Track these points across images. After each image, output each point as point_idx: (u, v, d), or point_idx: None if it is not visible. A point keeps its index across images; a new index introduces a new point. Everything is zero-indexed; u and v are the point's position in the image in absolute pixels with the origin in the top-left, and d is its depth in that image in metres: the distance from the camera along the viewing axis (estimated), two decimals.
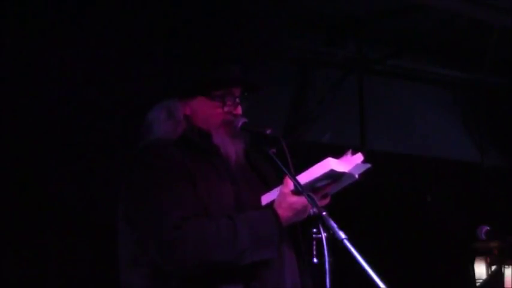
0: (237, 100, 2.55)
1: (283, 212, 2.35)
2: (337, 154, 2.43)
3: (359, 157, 2.42)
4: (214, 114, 2.53)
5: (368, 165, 2.44)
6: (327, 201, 2.45)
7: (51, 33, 4.32)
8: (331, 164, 2.32)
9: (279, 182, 2.43)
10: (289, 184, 2.34)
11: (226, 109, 2.52)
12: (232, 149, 2.51)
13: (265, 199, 2.44)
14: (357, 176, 2.45)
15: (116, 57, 4.52)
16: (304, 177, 2.34)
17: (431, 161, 6.29)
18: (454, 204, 7.09)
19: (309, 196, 2.25)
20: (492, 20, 5.27)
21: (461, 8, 5.01)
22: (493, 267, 6.89)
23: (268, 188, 2.48)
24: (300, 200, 2.32)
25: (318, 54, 5.53)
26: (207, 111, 2.53)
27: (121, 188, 2.45)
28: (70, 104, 4.56)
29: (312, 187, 2.36)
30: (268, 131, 2.46)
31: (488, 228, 3.75)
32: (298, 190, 2.29)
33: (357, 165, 2.41)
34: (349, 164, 2.39)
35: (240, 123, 2.52)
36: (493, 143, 6.51)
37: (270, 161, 2.42)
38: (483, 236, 3.77)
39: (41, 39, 4.32)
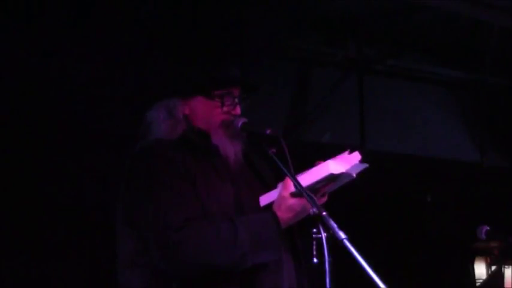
0: (236, 100, 2.54)
1: (282, 214, 2.35)
2: (337, 154, 2.43)
3: (357, 156, 2.42)
4: (213, 114, 2.52)
5: (366, 165, 2.44)
6: (324, 199, 2.45)
7: (51, 33, 4.32)
8: (330, 168, 2.32)
9: (278, 182, 2.43)
10: (289, 186, 2.34)
11: (225, 109, 2.52)
12: (231, 149, 2.50)
13: (264, 200, 2.44)
14: (354, 175, 2.45)
15: (117, 57, 4.52)
16: (304, 180, 2.34)
17: (431, 161, 6.29)
18: (454, 204, 7.09)
19: (309, 196, 2.25)
20: (492, 20, 5.27)
21: (461, 8, 5.00)
22: (493, 267, 6.89)
23: (267, 188, 2.48)
24: (299, 202, 2.32)
25: (318, 54, 5.53)
26: (206, 111, 2.53)
27: (120, 188, 2.45)
28: (70, 104, 4.56)
29: (311, 189, 2.36)
30: (268, 131, 2.46)
31: (488, 228, 3.75)
32: (298, 191, 2.29)
33: (355, 165, 2.41)
34: (347, 163, 2.39)
35: (239, 124, 2.52)
36: (493, 143, 6.51)
37: (270, 161, 2.42)
38: (483, 236, 3.77)
39: (41, 40, 4.32)
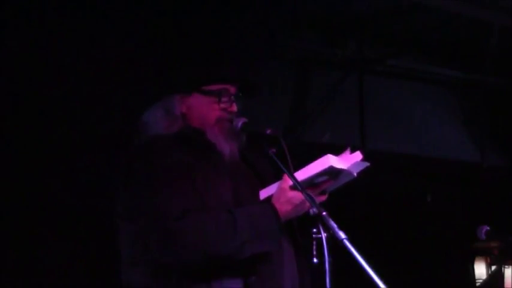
0: (232, 98, 2.55)
1: (281, 207, 2.36)
2: (337, 154, 2.43)
3: (358, 155, 2.43)
4: (210, 111, 2.54)
5: (367, 164, 2.45)
6: (324, 198, 2.46)
7: (51, 32, 4.32)
8: (330, 160, 2.33)
9: (276, 179, 2.43)
10: (288, 180, 2.35)
11: (221, 105, 2.53)
12: (226, 146, 2.52)
13: (263, 194, 2.45)
14: (355, 174, 2.45)
15: (115, 56, 4.52)
16: (304, 173, 2.35)
17: (431, 161, 6.29)
18: (454, 204, 7.09)
19: (308, 196, 2.25)
20: (492, 20, 5.27)
21: (461, 8, 5.00)
22: (493, 267, 6.89)
23: (264, 185, 2.49)
24: (298, 195, 2.33)
25: (318, 54, 5.53)
26: (202, 108, 2.55)
27: (119, 185, 2.45)
28: (70, 104, 4.56)
29: (311, 183, 2.36)
30: (268, 131, 2.47)
31: (488, 228, 3.75)
32: (301, 191, 2.30)
33: (355, 163, 2.42)
34: (348, 161, 2.40)
35: (240, 123, 2.53)
36: (493, 143, 6.51)
37: (270, 160, 2.43)
38: (483, 236, 3.77)
39: (40, 39, 4.33)
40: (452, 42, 5.71)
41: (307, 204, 2.33)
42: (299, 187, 2.29)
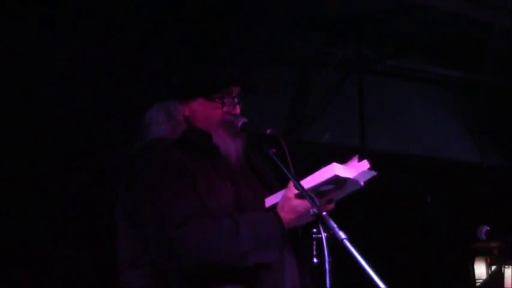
0: (236, 100, 2.55)
1: (285, 215, 2.35)
2: (337, 154, 2.43)
3: (365, 164, 2.41)
4: (214, 115, 2.53)
5: (373, 173, 2.43)
6: (331, 206, 2.44)
7: (50, 32, 4.32)
8: (335, 169, 2.31)
9: (278, 182, 2.43)
10: (293, 188, 2.34)
11: (225, 109, 2.53)
12: (232, 148, 2.51)
13: (269, 202, 2.44)
14: (362, 183, 2.43)
15: (116, 57, 4.52)
16: (309, 182, 2.33)
17: (431, 161, 6.30)
18: (454, 204, 7.09)
19: (308, 196, 2.25)
20: (492, 20, 5.28)
21: (461, 8, 5.01)
22: (493, 267, 6.89)
23: (267, 188, 2.48)
24: (303, 203, 2.32)
25: (318, 54, 5.53)
26: (206, 112, 2.53)
27: (120, 188, 2.45)
28: (70, 104, 4.56)
29: (317, 191, 2.35)
30: (268, 131, 2.46)
31: (488, 228, 3.75)
32: (301, 193, 2.29)
33: (362, 172, 2.39)
34: (354, 170, 2.38)
35: (240, 123, 2.52)
36: (493, 143, 6.51)
37: (270, 161, 2.42)
38: (483, 236, 3.77)
39: (40, 39, 4.33)
40: (452, 42, 5.72)
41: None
42: (299, 187, 2.28)
